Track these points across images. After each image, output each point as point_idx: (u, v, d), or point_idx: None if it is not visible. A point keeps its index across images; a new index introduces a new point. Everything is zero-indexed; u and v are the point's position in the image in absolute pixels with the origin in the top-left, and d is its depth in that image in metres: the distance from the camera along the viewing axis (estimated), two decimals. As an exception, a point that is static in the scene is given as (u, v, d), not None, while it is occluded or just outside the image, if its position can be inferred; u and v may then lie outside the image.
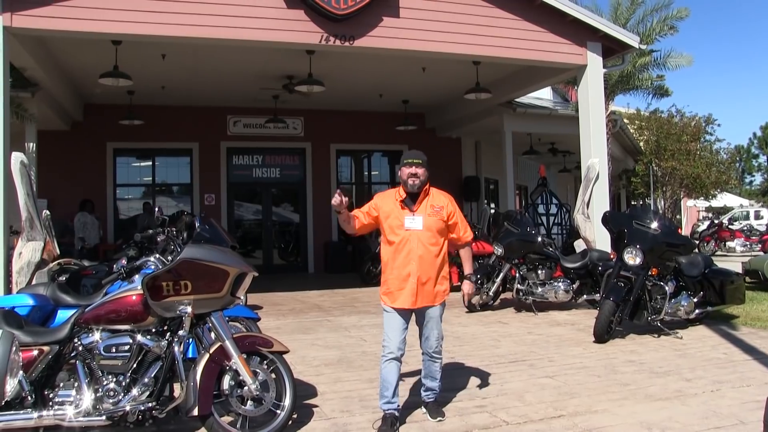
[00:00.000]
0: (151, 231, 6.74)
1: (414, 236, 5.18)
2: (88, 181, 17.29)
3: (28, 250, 9.06)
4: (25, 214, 9.14)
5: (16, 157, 9.19)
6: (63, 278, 8.18)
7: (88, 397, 4.52)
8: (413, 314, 5.32)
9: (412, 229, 5.18)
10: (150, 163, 18.87)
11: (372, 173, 21.50)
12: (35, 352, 4.50)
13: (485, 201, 20.87)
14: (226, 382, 4.73)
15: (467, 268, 5.68)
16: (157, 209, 6.79)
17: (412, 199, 5.26)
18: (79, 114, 17.00)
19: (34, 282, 8.70)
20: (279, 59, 13.52)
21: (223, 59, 13.47)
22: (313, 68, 13.14)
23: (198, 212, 16.24)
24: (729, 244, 25.55)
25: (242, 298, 5.38)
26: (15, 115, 12.05)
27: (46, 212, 9.93)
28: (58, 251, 10.04)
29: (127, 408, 4.52)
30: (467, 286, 5.63)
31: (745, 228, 28.22)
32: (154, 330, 4.69)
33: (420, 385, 5.60)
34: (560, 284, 11.05)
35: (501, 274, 11.31)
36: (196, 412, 4.56)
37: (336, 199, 4.95)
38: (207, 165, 18.56)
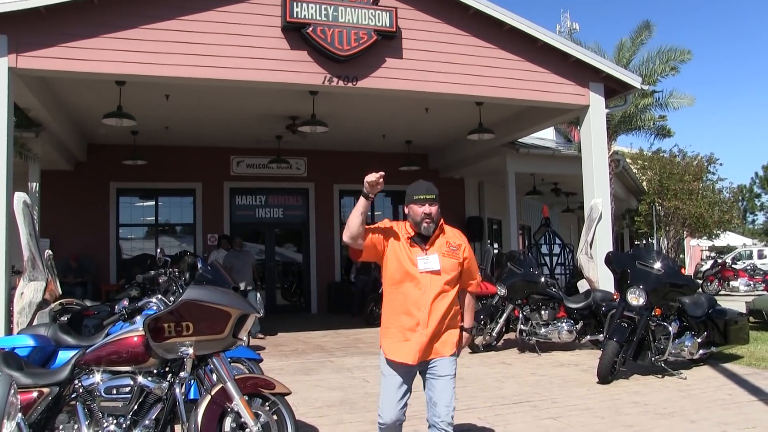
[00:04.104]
0: (153, 272, 6.74)
1: (427, 279, 4.40)
2: (91, 221, 17.31)
3: (29, 290, 9.05)
4: (27, 254, 9.14)
5: (19, 197, 9.23)
6: (65, 318, 8.16)
7: (88, 440, 4.48)
8: (417, 373, 4.52)
9: (426, 270, 4.40)
10: (153, 203, 18.86)
11: (375, 213, 21.50)
12: (35, 394, 4.46)
13: (488, 241, 20.84)
14: (228, 424, 4.69)
15: (469, 319, 4.77)
16: (159, 250, 6.79)
17: (423, 236, 4.51)
18: (83, 154, 17.07)
19: (35, 322, 8.67)
20: (282, 100, 13.62)
21: (227, 100, 13.54)
22: (317, 109, 13.22)
23: (201, 253, 16.25)
24: (732, 283, 25.44)
25: (244, 339, 5.33)
26: (19, 155, 12.13)
27: (48, 252, 9.95)
28: (60, 291, 10.03)
29: (127, 450, 4.48)
30: (463, 337, 4.69)
31: (749, 267, 28.12)
32: (155, 371, 4.66)
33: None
34: (563, 325, 10.99)
35: (504, 315, 11.27)
36: (197, 454, 4.51)
37: (375, 177, 4.25)
38: (210, 205, 18.59)
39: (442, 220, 4.60)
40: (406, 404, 4.42)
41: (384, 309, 4.60)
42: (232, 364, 5.50)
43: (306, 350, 11.81)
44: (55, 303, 9.22)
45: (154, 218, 18.94)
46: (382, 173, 4.21)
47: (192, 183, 18.43)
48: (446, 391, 4.37)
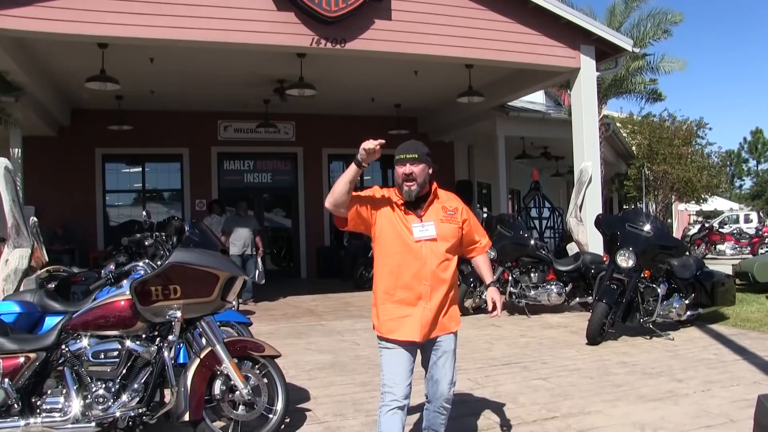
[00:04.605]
0: (139, 235, 6.67)
1: (426, 248, 3.98)
2: (77, 188, 17.13)
3: (14, 258, 8.98)
4: (11, 220, 9.05)
5: (0, 163, 9.09)
6: (52, 285, 8.10)
7: (76, 404, 4.45)
8: (418, 349, 4.12)
9: (423, 239, 3.99)
10: (140, 169, 18.71)
11: (364, 178, 21.39)
12: (21, 360, 4.42)
13: (478, 205, 20.83)
14: (218, 386, 4.68)
15: (489, 276, 4.36)
16: (145, 213, 6.72)
17: (416, 202, 4.11)
18: (66, 119, 16.82)
19: (22, 289, 8.62)
20: (269, 63, 13.44)
21: (213, 63, 13.34)
22: (305, 72, 13.05)
23: (189, 219, 16.16)
24: (719, 247, 25.74)
25: (233, 302, 5.29)
26: (-2, 120, 11.92)
27: (33, 219, 9.85)
28: (46, 258, 9.96)
29: (117, 414, 4.45)
30: (496, 294, 4.28)
31: (735, 231, 28.43)
32: (143, 335, 4.62)
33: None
34: (553, 287, 11.04)
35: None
36: (187, 417, 4.49)
37: (373, 144, 3.88)
38: (198, 171, 18.44)
39: (435, 184, 4.19)
40: (411, 381, 4.01)
41: (377, 283, 4.12)
42: (221, 327, 5.48)
43: (296, 314, 11.81)
44: (42, 270, 9.14)
45: (141, 184, 18.82)
46: (382, 141, 3.76)
47: (179, 148, 18.25)
48: (450, 367, 4.11)
